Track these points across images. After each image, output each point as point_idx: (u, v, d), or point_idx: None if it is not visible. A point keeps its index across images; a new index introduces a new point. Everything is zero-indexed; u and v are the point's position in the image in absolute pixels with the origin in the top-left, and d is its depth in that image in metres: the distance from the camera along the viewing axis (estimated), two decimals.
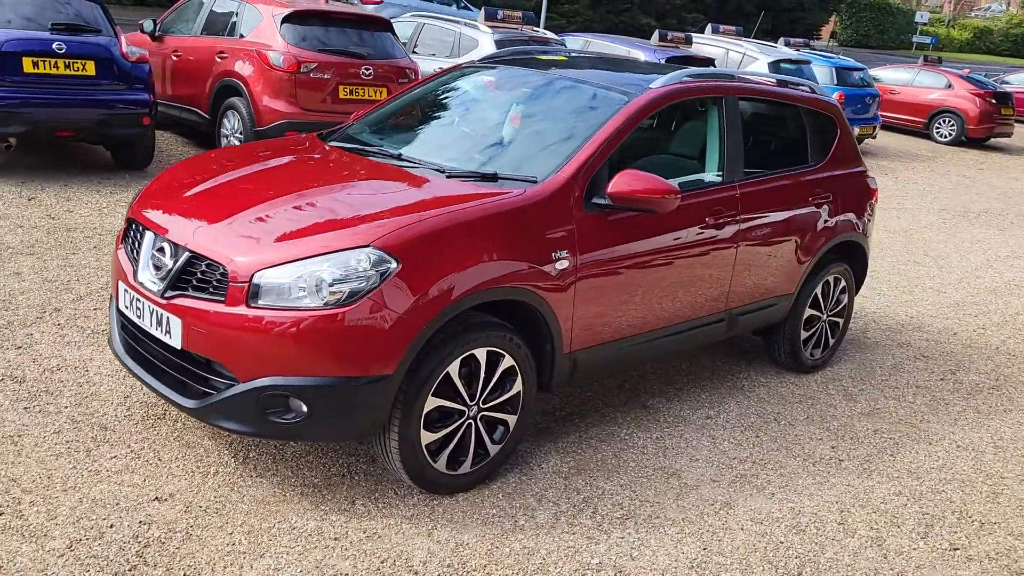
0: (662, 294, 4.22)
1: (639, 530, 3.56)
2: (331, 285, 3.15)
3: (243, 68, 8.65)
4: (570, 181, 3.78)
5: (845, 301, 5.56)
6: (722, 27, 14.83)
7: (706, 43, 13.93)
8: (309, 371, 3.16)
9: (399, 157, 4.07)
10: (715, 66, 12.24)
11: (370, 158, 4.09)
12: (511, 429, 3.76)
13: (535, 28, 12.12)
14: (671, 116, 5.01)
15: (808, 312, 5.27)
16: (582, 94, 4.34)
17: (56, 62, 7.60)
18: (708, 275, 4.44)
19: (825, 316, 5.43)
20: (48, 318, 4.88)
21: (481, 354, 3.51)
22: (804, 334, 5.31)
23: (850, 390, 5.31)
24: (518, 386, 3.70)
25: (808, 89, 5.31)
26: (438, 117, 4.70)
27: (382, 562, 3.16)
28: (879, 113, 16.14)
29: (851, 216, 5.34)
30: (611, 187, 3.79)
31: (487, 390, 3.59)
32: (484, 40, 10.92)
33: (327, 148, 4.29)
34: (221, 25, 9.38)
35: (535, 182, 3.76)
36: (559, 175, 3.79)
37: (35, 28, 7.63)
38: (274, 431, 3.25)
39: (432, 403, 3.41)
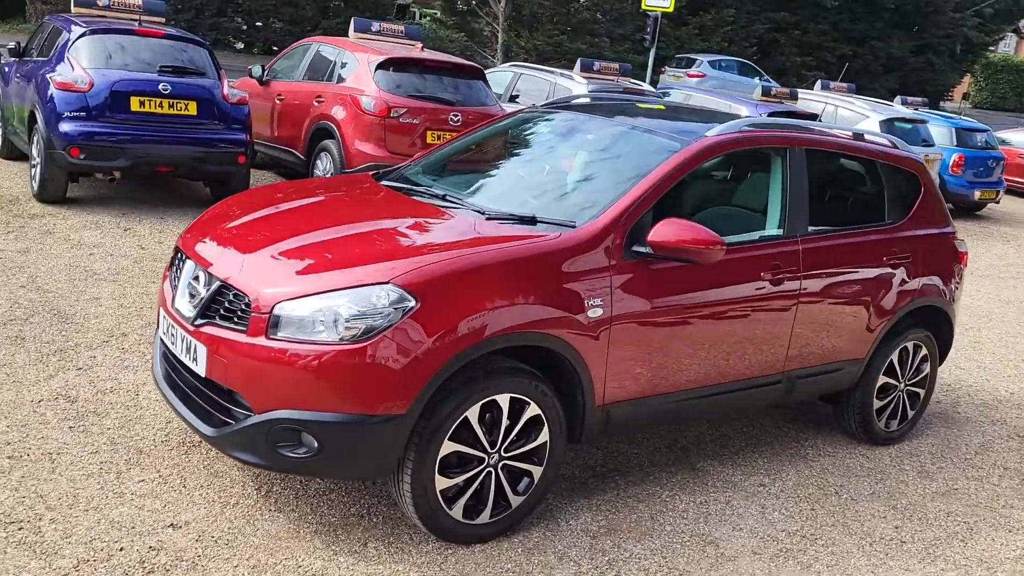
0: (709, 350, 4.02)
1: None
2: (348, 320, 3.12)
3: (337, 112, 8.90)
4: (608, 227, 3.66)
5: (927, 371, 5.18)
6: (832, 84, 14.43)
7: (814, 99, 13.56)
8: (321, 406, 3.12)
9: (443, 198, 4.04)
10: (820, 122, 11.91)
11: (415, 198, 4.08)
12: (536, 481, 3.61)
13: (633, 80, 12.08)
14: (734, 166, 4.83)
15: (882, 380, 4.93)
16: (636, 140, 4.23)
17: (161, 102, 8.00)
18: (762, 333, 4.21)
19: (903, 385, 5.07)
20: (114, 342, 5.05)
21: (504, 400, 3.40)
22: (877, 403, 4.96)
23: (927, 467, 4.91)
24: (544, 436, 3.57)
25: (889, 144, 5.04)
26: (492, 160, 4.66)
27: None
28: (1004, 177, 15.29)
29: (935, 279, 4.99)
30: (652, 235, 3.65)
31: (509, 438, 3.47)
32: (577, 90, 10.92)
33: (377, 186, 4.31)
34: (321, 71, 9.71)
35: (573, 227, 3.66)
36: (598, 221, 3.68)
37: (146, 70, 8.07)
38: (285, 465, 3.22)
39: (448, 447, 3.31)
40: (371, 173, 4.65)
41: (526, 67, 12.22)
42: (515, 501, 3.58)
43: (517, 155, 4.61)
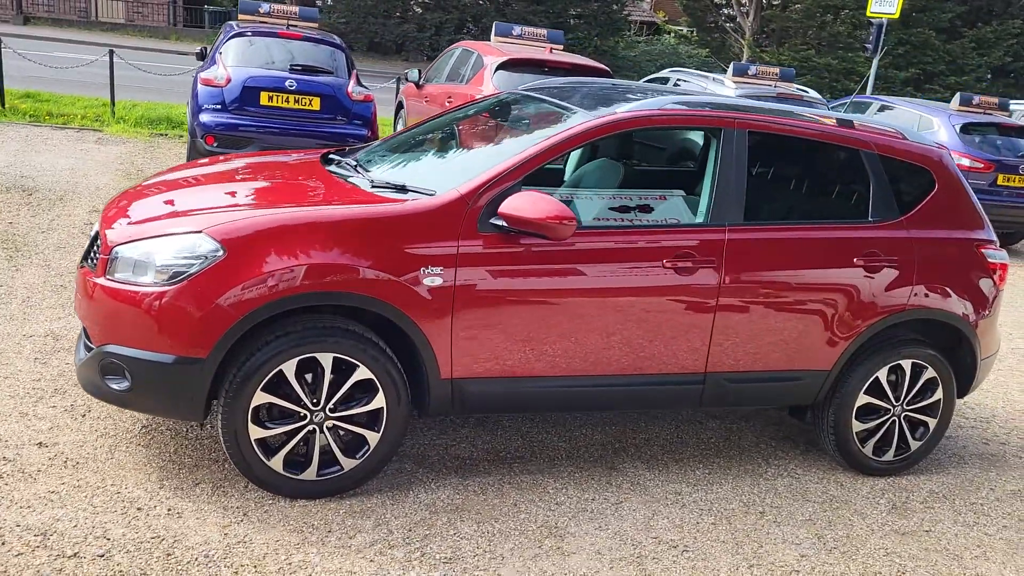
0: (589, 337, 3.79)
1: (444, 575, 3.23)
2: (160, 265, 3.33)
3: None
4: (465, 196, 3.59)
5: (937, 397, 4.48)
6: None
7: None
8: (136, 343, 3.35)
9: (355, 168, 4.15)
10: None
11: (329, 169, 4.19)
12: (372, 447, 3.61)
13: (800, 87, 11.35)
14: (669, 147, 4.50)
15: (864, 399, 4.35)
16: (550, 118, 4.09)
17: (287, 97, 8.75)
18: (665, 327, 3.89)
19: (899, 410, 4.43)
20: None
21: (326, 359, 3.45)
22: (859, 426, 4.38)
23: (911, 504, 4.27)
24: (379, 401, 3.56)
25: (891, 134, 4.43)
26: (438, 140, 4.65)
27: (155, 537, 3.22)
28: None
29: (943, 290, 4.33)
30: (503, 207, 3.54)
31: (334, 398, 3.51)
32: (727, 94, 10.48)
33: (312, 162, 4.43)
34: (457, 73, 10.11)
35: (432, 195, 3.64)
36: (457, 190, 3.62)
37: (278, 69, 8.86)
38: (110, 396, 3.47)
39: (261, 398, 3.41)
40: (328, 151, 4.79)
41: (685, 72, 11.89)
42: (348, 464, 3.61)
43: (459, 135, 4.58)
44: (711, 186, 3.99)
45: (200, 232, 3.36)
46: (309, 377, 3.48)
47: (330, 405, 3.51)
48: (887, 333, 4.33)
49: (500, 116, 4.55)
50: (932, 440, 4.56)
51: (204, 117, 8.58)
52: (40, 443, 3.77)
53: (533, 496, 3.87)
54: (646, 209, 4.08)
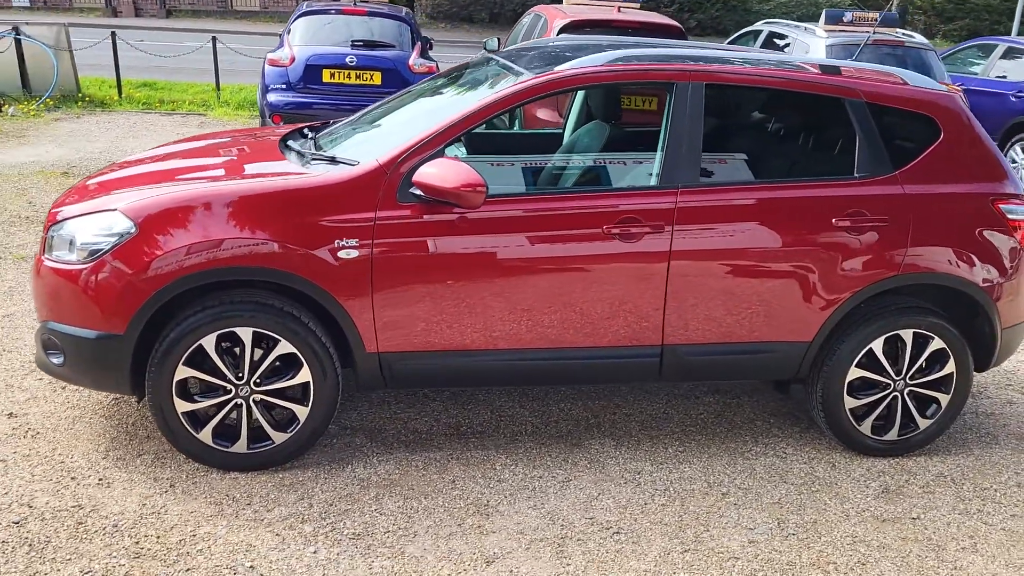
0: (526, 309, 3.62)
1: (345, 550, 3.19)
2: (82, 243, 3.43)
3: None
4: (384, 166, 3.51)
5: (948, 370, 4.03)
6: None
7: None
8: (64, 319, 3.48)
9: (305, 140, 4.12)
10: None
11: (280, 144, 4.15)
12: (302, 421, 3.62)
13: (906, 31, 10.45)
14: (629, 108, 4.20)
15: (856, 373, 3.97)
16: (496, 81, 3.92)
17: (348, 73, 8.87)
18: (612, 297, 3.67)
19: (901, 385, 4.02)
20: None
21: (245, 333, 3.47)
22: (853, 402, 4.01)
23: (907, 490, 3.87)
24: (304, 375, 3.56)
25: (882, 79, 3.97)
26: (390, 111, 4.47)
27: (75, 506, 3.35)
28: None
29: (947, 252, 3.88)
30: (416, 175, 3.43)
31: (258, 372, 3.52)
32: (815, 45, 9.79)
33: (266, 140, 4.37)
34: (529, 39, 9.91)
35: (353, 165, 3.57)
36: (375, 159, 3.54)
37: (339, 45, 8.98)
38: (52, 371, 3.62)
39: (184, 372, 3.47)
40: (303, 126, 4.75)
41: (779, 24, 11.17)
42: (278, 438, 3.62)
43: (411, 106, 4.41)
44: (664, 146, 3.71)
45: (115, 210, 3.43)
46: (239, 351, 3.49)
47: (255, 379, 3.53)
48: (879, 300, 3.92)
49: (456, 83, 4.40)
50: (945, 418, 4.11)
51: (271, 97, 8.83)
52: (11, 413, 3.99)
53: (476, 473, 3.77)
54: (601, 173, 3.86)
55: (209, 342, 3.45)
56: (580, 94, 5.24)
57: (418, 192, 3.45)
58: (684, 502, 3.66)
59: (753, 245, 3.73)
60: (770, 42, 10.71)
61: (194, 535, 3.22)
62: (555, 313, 3.65)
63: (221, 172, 3.87)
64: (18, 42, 12.40)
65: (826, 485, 3.86)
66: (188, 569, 3.04)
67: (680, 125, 3.69)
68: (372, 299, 3.50)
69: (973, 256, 3.91)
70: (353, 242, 3.44)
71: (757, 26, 11.51)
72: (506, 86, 3.70)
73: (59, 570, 2.99)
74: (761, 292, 3.77)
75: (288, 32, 9.27)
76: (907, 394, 4.04)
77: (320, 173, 3.56)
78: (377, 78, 8.91)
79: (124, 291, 3.36)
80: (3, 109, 11.59)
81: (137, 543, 3.16)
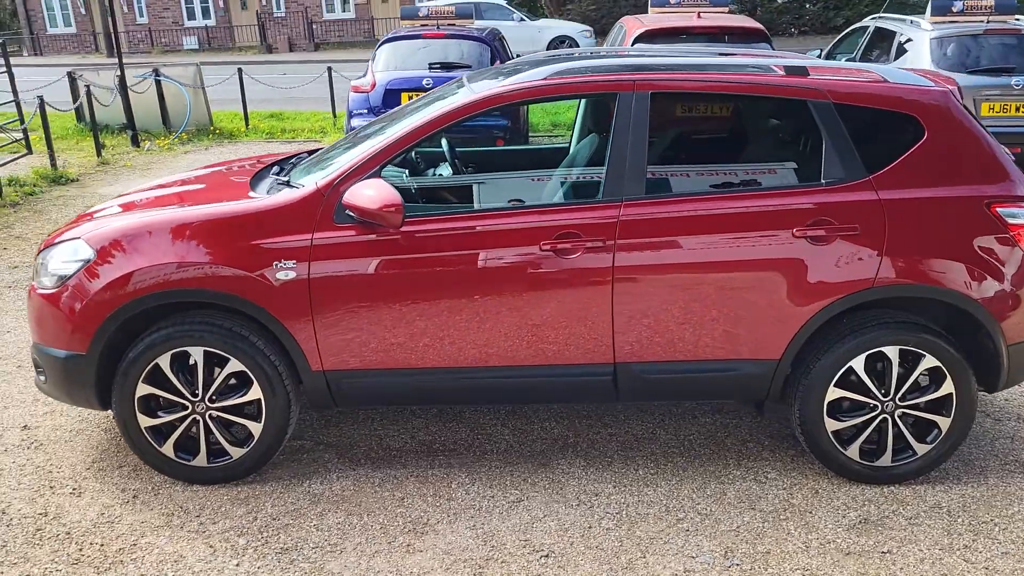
0: (468, 328, 3.60)
1: (267, 564, 3.28)
2: (52, 269, 3.73)
3: None
4: (322, 190, 3.61)
5: (946, 391, 3.67)
6: None
7: None
8: (44, 340, 3.79)
9: (279, 173, 4.24)
10: None
11: (256, 174, 4.29)
12: (256, 438, 3.75)
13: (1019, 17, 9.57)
14: (580, 123, 4.08)
15: (835, 393, 3.69)
16: (447, 100, 3.93)
17: (415, 95, 9.08)
18: (555, 314, 3.59)
19: (890, 407, 3.70)
20: None
21: (197, 352, 3.65)
22: (835, 424, 3.73)
23: (887, 520, 3.55)
24: (255, 393, 3.69)
25: (866, 78, 3.68)
26: (364, 136, 4.46)
27: (41, 514, 3.62)
28: None
29: (931, 261, 3.56)
30: (344, 196, 3.50)
31: (212, 389, 3.69)
32: (919, 38, 9.16)
33: (249, 169, 4.53)
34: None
35: (298, 189, 3.70)
36: (315, 183, 3.65)
37: (418, 68, 9.24)
38: (40, 387, 3.94)
39: (144, 389, 3.69)
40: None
41: (885, 18, 10.50)
42: (235, 453, 3.78)
43: (380, 128, 4.44)
44: (610, 159, 3.61)
45: (79, 239, 3.70)
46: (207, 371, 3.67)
47: (210, 396, 3.70)
48: (855, 315, 3.63)
49: (423, 104, 4.42)
50: (946, 444, 3.74)
51: (355, 122, 9.18)
52: (25, 426, 4.36)
53: (428, 491, 3.78)
54: (550, 188, 3.80)
55: (165, 361, 3.65)
56: (581, 107, 5.15)
57: (351, 213, 3.52)
58: (632, 527, 3.52)
59: (706, 259, 3.56)
60: (878, 38, 10.08)
61: (135, 545, 3.41)
62: (497, 331, 3.61)
63: (186, 201, 4.07)
64: (158, 83, 13.53)
65: (798, 513, 3.61)
66: None
67: (623, 136, 3.58)
68: (313, 318, 3.59)
69: (965, 266, 3.56)
70: (291, 263, 3.55)
71: (864, 22, 10.87)
72: (434, 110, 3.71)
73: (3, 573, 3.24)
74: (718, 308, 3.58)
75: (373, 59, 9.62)
76: (899, 417, 3.71)
77: (264, 198, 3.70)
78: None
79: (84, 313, 3.62)
80: (141, 144, 12.65)
81: (80, 550, 3.38)
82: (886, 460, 3.76)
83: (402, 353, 3.64)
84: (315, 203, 3.59)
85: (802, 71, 3.70)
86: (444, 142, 4.81)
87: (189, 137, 13.29)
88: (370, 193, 3.42)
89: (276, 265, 3.55)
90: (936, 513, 3.60)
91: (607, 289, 3.56)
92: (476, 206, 3.81)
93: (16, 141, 11.38)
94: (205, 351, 3.64)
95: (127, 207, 4.07)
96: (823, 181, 3.59)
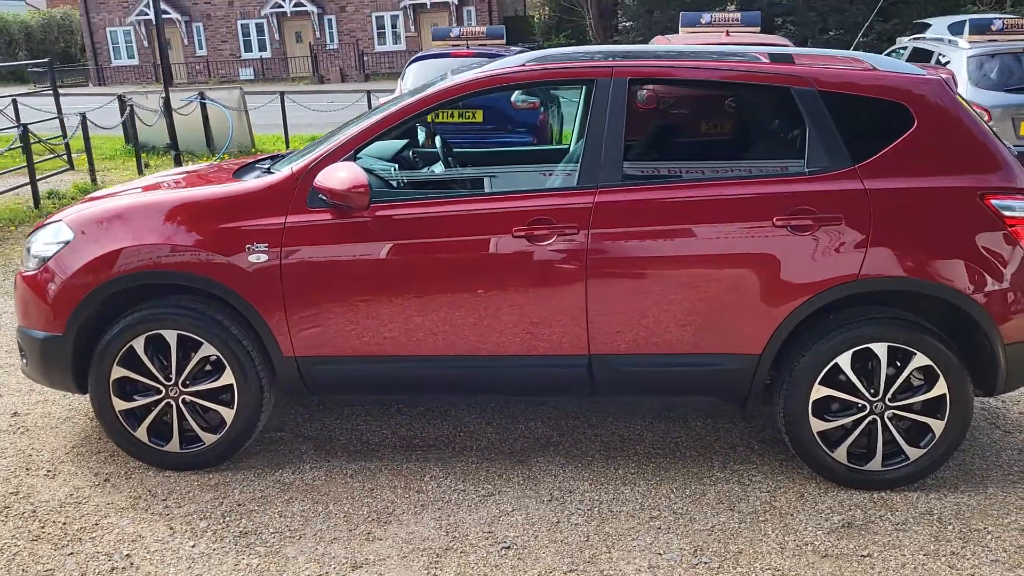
0: (439, 315, 3.55)
1: (223, 547, 3.23)
2: (35, 252, 3.78)
3: None
4: (297, 173, 3.61)
5: (940, 391, 3.50)
6: None
7: None
8: (25, 323, 3.83)
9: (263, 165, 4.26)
10: None
11: (245, 167, 4.32)
12: (228, 424, 3.73)
13: None
14: (554, 111, 4.00)
15: (820, 391, 3.54)
16: (424, 89, 3.92)
17: (452, 113, 9.13)
18: (526, 303, 3.51)
19: (880, 407, 3.53)
20: None
21: (170, 336, 3.65)
22: (821, 424, 3.57)
23: (872, 525, 3.38)
24: (228, 378, 3.68)
25: (853, 66, 3.57)
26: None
27: (13, 493, 3.63)
28: None
29: (920, 255, 3.41)
30: (316, 179, 3.49)
31: (185, 374, 3.68)
32: (956, 57, 8.94)
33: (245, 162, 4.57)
34: None
35: (277, 173, 3.71)
36: (290, 168, 3.66)
37: None
38: (24, 371, 3.98)
39: (119, 372, 3.70)
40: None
41: (922, 39, 10.28)
42: (208, 439, 3.76)
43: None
44: (584, 146, 3.55)
45: (60, 221, 3.75)
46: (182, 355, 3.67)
47: (183, 380, 3.69)
48: (841, 309, 3.49)
49: (410, 94, 4.42)
50: (940, 449, 3.56)
51: None
52: (15, 412, 4.41)
53: (399, 483, 3.71)
54: (530, 176, 3.75)
55: (138, 344, 3.66)
56: (581, 107, 5.10)
57: (323, 196, 3.51)
58: (602, 523, 3.40)
59: (683, 247, 3.46)
60: (915, 57, 9.88)
61: (97, 524, 3.40)
62: (469, 319, 3.55)
63: (173, 188, 4.11)
64: (203, 105, 13.87)
65: (778, 516, 3.45)
66: (71, 553, 3.21)
67: (600, 122, 3.52)
68: (284, 303, 3.57)
69: (957, 260, 3.40)
70: (263, 246, 3.54)
71: (903, 42, 10.68)
72: (419, 93, 3.71)
73: None
74: (696, 299, 3.47)
75: (402, 77, 9.71)
76: (889, 418, 3.54)
77: (241, 183, 3.71)
78: (479, 115, 9.10)
79: (61, 294, 3.65)
80: (183, 164, 12.94)
81: (43, 528, 3.37)
82: (876, 464, 3.58)
83: (372, 340, 3.60)
84: (289, 187, 3.58)
85: (787, 58, 3.61)
86: (438, 140, 4.80)
87: (231, 157, 13.55)
88: (340, 175, 3.40)
89: (248, 248, 3.54)
90: (926, 519, 3.41)
91: (580, 277, 3.48)
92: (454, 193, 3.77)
93: (58, 156, 11.72)
94: (179, 335, 3.64)
95: (115, 194, 4.12)
96: (807, 170, 3.47)
